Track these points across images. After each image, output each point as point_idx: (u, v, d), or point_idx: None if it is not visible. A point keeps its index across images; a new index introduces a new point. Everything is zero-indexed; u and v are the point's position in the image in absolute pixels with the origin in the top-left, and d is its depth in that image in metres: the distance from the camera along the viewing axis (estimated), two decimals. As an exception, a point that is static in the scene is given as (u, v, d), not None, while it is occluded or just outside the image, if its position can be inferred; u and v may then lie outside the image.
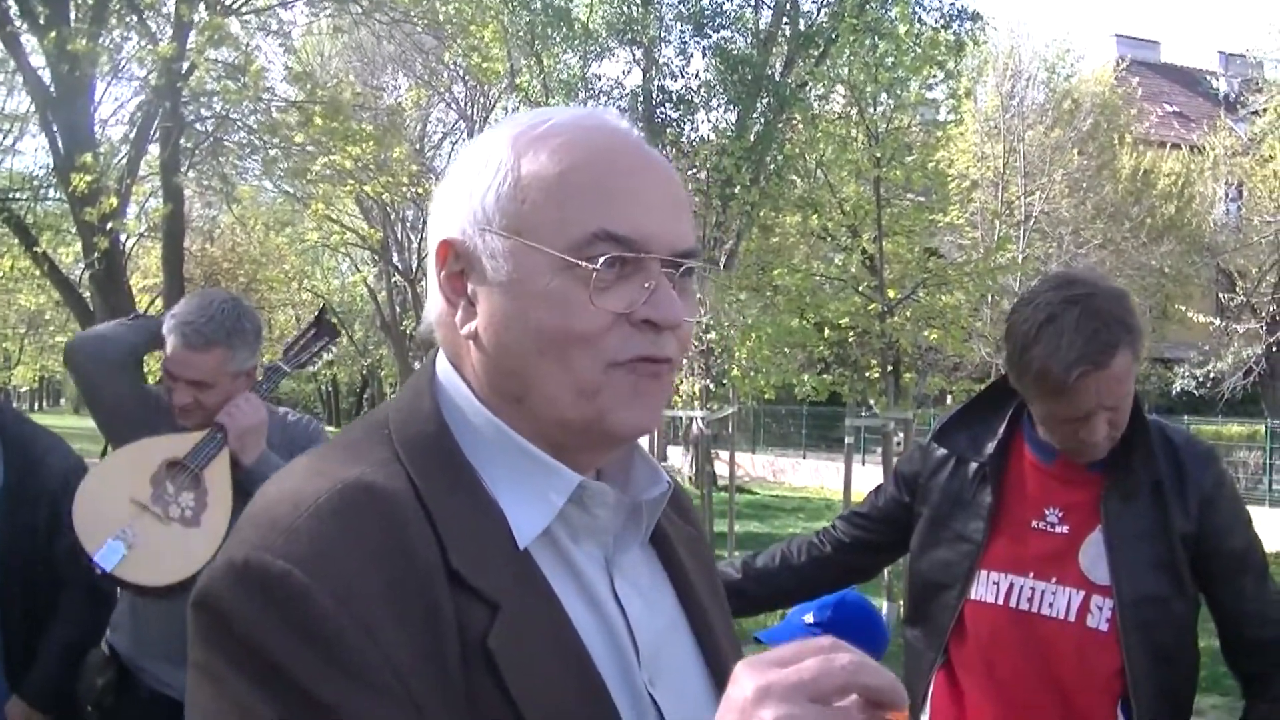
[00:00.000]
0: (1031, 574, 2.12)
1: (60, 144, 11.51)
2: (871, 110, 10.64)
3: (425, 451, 0.97)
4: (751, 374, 12.11)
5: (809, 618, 2.68)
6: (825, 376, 12.80)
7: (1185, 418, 20.15)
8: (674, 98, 20.32)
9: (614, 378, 0.97)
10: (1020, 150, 22.34)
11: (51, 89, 11.42)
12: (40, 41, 10.88)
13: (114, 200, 10.70)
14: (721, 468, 15.22)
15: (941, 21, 19.13)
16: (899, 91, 10.78)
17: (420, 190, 15.66)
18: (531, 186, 0.97)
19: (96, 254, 11.02)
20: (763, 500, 19.62)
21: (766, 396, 13.73)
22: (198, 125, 12.75)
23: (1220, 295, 24.82)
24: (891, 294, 10.59)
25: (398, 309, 29.31)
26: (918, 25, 14.43)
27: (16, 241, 13.52)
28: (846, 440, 10.03)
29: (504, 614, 0.91)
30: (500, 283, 0.97)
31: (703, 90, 20.31)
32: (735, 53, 19.66)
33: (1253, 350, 22.70)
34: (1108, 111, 24.64)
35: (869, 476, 13.03)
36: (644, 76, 20.83)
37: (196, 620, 0.89)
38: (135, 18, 11.93)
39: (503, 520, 0.96)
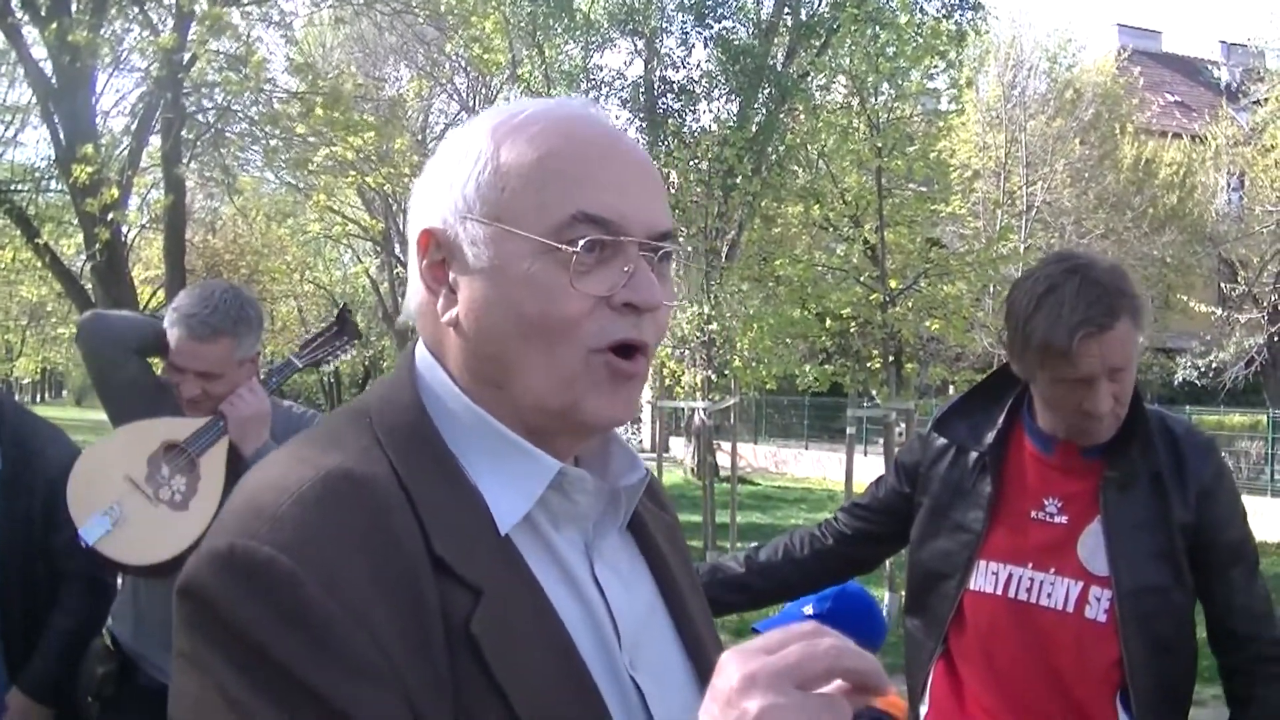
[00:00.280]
0: (1030, 564, 2.12)
1: (62, 135, 11.48)
2: (873, 100, 10.64)
3: (406, 439, 0.98)
4: (753, 364, 12.13)
5: (809, 609, 2.70)
6: (827, 367, 12.83)
7: (1187, 407, 20.17)
8: (676, 88, 20.27)
9: (592, 366, 0.98)
10: (1022, 140, 22.26)
11: (53, 80, 11.38)
12: (41, 33, 10.84)
13: (115, 192, 10.67)
14: (723, 458, 15.25)
15: (943, 11, 19.06)
16: (900, 81, 10.79)
17: (422, 181, 15.57)
18: (511, 173, 0.98)
19: (98, 245, 10.98)
20: (765, 491, 19.64)
21: (768, 387, 13.75)
22: (199, 116, 12.72)
23: (1222, 285, 24.78)
24: (893, 284, 10.60)
25: (400, 300, 29.25)
26: (919, 15, 14.43)
27: (18, 233, 13.48)
28: (848, 431, 10.04)
29: (487, 599, 0.91)
30: (481, 269, 0.98)
31: (704, 81, 20.25)
32: (737, 43, 19.60)
33: (1255, 340, 22.69)
34: (1109, 101, 24.56)
35: (871, 467, 13.03)
36: (646, 67, 20.77)
37: (181, 608, 0.89)
38: (136, 9, 11.91)
39: (484, 507, 0.97)
